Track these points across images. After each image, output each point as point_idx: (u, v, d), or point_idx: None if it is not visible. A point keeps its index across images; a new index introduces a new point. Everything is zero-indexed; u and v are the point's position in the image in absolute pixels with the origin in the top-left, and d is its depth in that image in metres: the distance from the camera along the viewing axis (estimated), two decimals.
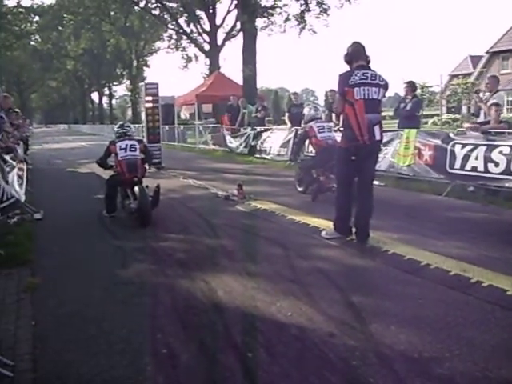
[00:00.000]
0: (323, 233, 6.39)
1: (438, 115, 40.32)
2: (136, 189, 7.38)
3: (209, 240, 6.47)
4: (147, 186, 7.57)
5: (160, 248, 6.18)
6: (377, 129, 5.86)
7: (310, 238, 6.37)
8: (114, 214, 7.93)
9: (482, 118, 9.77)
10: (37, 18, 49.70)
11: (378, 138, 5.90)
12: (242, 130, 18.07)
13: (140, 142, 8.21)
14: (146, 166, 8.05)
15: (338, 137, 6.38)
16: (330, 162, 8.56)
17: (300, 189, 9.68)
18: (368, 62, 6.00)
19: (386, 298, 4.29)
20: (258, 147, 17.00)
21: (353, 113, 5.78)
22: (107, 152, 7.94)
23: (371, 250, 5.72)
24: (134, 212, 7.40)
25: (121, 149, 7.72)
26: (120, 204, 7.94)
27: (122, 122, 8.68)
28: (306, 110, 9.97)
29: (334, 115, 12.79)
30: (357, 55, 5.95)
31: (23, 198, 7.05)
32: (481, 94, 10.44)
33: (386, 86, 5.99)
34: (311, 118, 9.44)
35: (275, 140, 15.96)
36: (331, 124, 10.07)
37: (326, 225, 6.66)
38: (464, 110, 44.32)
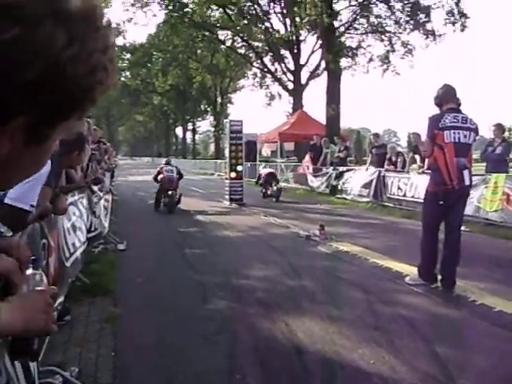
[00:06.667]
0: (407, 278, 6.21)
1: None
2: (169, 193, 13.08)
3: (290, 280, 6.43)
4: (180, 194, 13.55)
5: (241, 285, 6.21)
6: (466, 173, 5.71)
7: (393, 283, 6.21)
8: (159, 209, 13.48)
9: None
10: (128, 55, 52.10)
11: (467, 182, 5.75)
12: (324, 169, 18.07)
13: (177, 168, 14.11)
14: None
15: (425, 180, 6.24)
16: None
17: None
18: (459, 104, 5.90)
19: (474, 351, 4.09)
20: (339, 187, 16.93)
21: (442, 156, 5.68)
22: (158, 173, 13.69)
23: (457, 300, 5.49)
24: (165, 205, 13.25)
25: (165, 171, 13.60)
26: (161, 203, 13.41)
27: (167, 159, 14.94)
28: None
29: (417, 157, 12.61)
30: (447, 98, 5.87)
31: (106, 230, 7.29)
32: None
33: (476, 130, 5.87)
34: None
35: (357, 180, 15.83)
36: None
37: (409, 270, 6.48)
38: None
